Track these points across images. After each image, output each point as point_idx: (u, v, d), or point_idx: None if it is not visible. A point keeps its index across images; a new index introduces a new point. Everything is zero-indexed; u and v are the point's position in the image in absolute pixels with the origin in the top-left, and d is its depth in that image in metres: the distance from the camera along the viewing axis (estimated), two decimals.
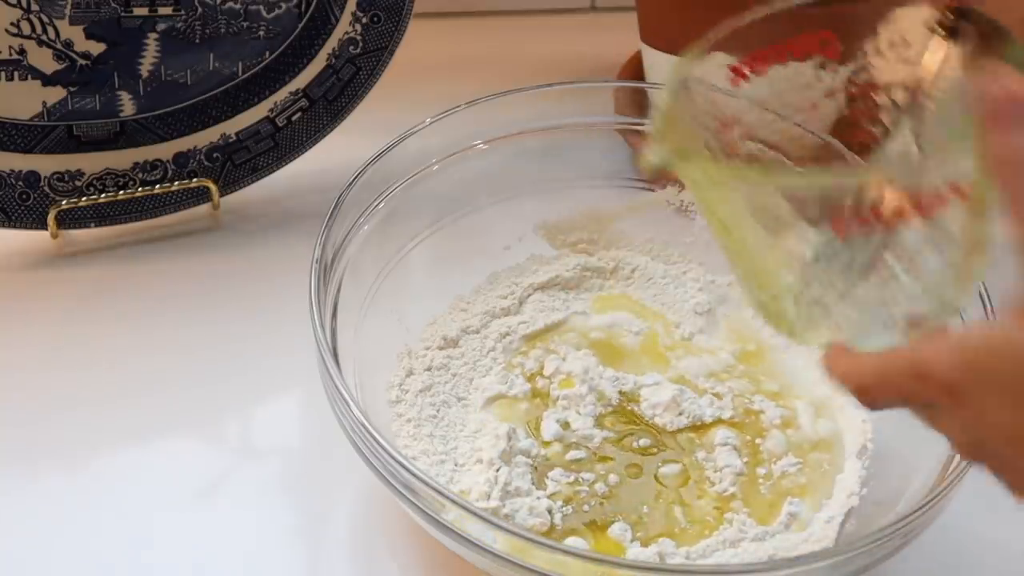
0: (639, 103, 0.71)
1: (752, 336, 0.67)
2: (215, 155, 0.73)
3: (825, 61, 0.47)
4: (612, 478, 0.58)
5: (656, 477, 0.59)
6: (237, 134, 0.73)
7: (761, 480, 0.59)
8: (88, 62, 0.68)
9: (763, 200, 0.40)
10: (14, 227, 0.70)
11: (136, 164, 0.72)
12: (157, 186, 0.72)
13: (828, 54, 0.47)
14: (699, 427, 0.61)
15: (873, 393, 0.41)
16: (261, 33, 0.71)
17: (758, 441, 0.61)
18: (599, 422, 0.61)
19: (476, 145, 0.67)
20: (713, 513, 0.58)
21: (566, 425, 0.61)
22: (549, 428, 0.61)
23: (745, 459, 0.60)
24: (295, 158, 0.75)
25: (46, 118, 0.69)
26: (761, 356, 0.66)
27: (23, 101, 0.68)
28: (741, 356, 0.66)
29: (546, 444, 0.60)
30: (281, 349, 0.66)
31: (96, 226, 0.72)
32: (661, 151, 0.41)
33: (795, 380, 0.64)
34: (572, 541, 0.55)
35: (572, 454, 0.59)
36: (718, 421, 0.61)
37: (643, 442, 0.60)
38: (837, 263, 0.40)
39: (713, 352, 0.66)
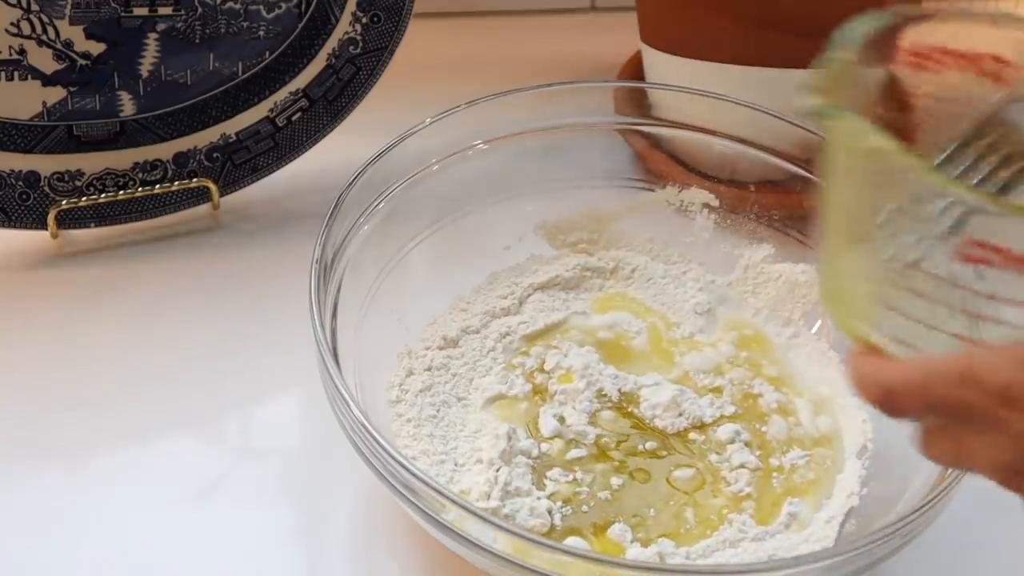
0: (639, 103, 0.71)
1: (749, 326, 0.67)
2: (215, 155, 0.73)
3: (993, 85, 0.45)
4: (615, 481, 0.58)
5: (668, 480, 0.59)
6: (237, 134, 0.73)
7: (775, 473, 0.59)
8: (88, 62, 0.68)
9: (893, 188, 0.38)
10: (14, 227, 0.70)
11: (136, 164, 0.72)
12: (157, 186, 0.72)
13: (996, 79, 0.45)
14: (701, 427, 0.61)
15: (903, 399, 0.38)
16: (261, 33, 0.71)
17: (764, 429, 0.61)
18: (593, 418, 0.61)
19: (476, 145, 0.67)
20: (721, 512, 0.57)
21: (562, 420, 0.61)
22: (547, 424, 0.61)
23: (757, 452, 0.60)
24: (295, 158, 0.75)
25: (46, 118, 0.69)
26: (760, 341, 0.66)
27: (23, 101, 0.68)
28: (740, 342, 0.66)
29: (546, 440, 0.60)
30: (281, 349, 0.66)
31: (96, 226, 0.72)
32: (821, 100, 0.39)
33: (796, 378, 0.64)
34: (572, 541, 0.55)
35: (572, 453, 0.59)
36: (720, 419, 0.61)
37: (649, 445, 0.60)
38: (931, 272, 0.38)
39: (714, 346, 0.66)
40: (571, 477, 0.58)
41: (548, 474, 0.58)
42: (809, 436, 0.61)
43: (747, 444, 0.60)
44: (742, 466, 0.59)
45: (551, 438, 0.60)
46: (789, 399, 0.63)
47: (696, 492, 0.58)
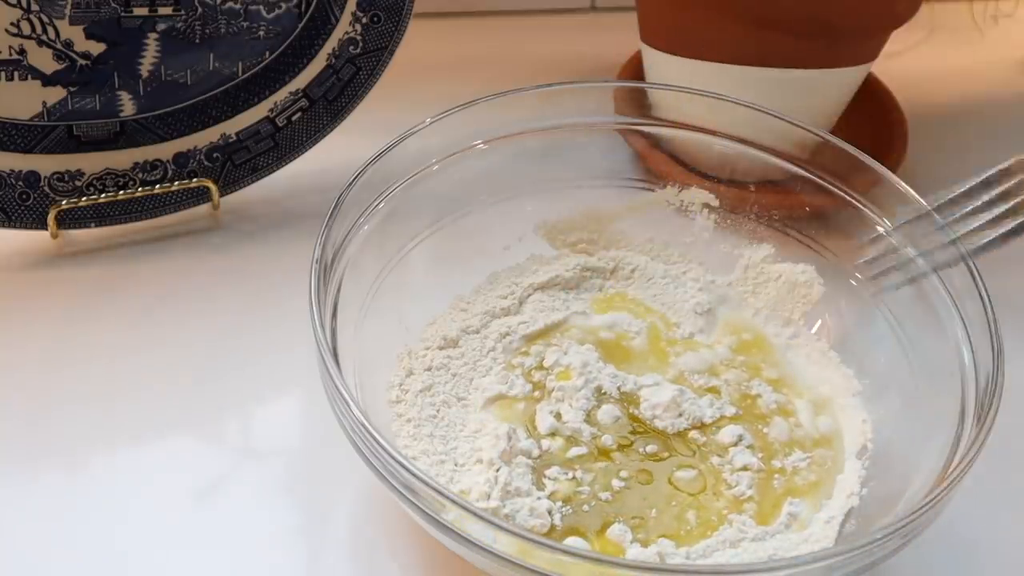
0: (639, 103, 0.71)
1: (749, 327, 0.67)
2: (215, 155, 0.73)
3: None
4: (616, 482, 0.58)
5: (670, 481, 0.59)
6: (237, 134, 0.73)
7: (776, 475, 0.59)
8: (88, 62, 0.68)
9: None
10: (14, 227, 0.70)
11: (136, 164, 0.72)
12: (157, 186, 0.72)
13: None
14: (701, 427, 0.61)
15: None
16: (261, 33, 0.71)
17: (765, 430, 0.61)
18: (591, 416, 0.61)
19: (476, 145, 0.67)
20: (721, 514, 0.57)
21: (559, 416, 0.61)
22: (544, 421, 0.61)
23: (759, 454, 0.60)
24: (295, 158, 0.75)
25: (46, 118, 0.69)
26: (759, 345, 0.66)
27: (23, 101, 0.68)
28: (739, 347, 0.66)
29: (545, 437, 0.60)
30: (281, 349, 0.66)
31: (96, 226, 0.72)
32: None
33: (795, 379, 0.64)
34: (572, 541, 0.55)
35: (573, 451, 0.59)
36: (720, 419, 0.61)
37: (650, 448, 0.60)
38: None
39: (711, 347, 0.66)
40: (571, 475, 0.58)
41: (547, 472, 0.58)
42: (809, 437, 0.61)
43: (750, 447, 0.60)
44: (744, 468, 0.59)
45: (550, 435, 0.60)
46: (789, 399, 0.63)
47: (699, 494, 0.58)
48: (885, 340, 0.63)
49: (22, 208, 0.70)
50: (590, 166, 0.70)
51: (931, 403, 0.58)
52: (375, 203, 0.63)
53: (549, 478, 0.58)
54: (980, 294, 0.57)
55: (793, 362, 0.65)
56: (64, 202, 0.71)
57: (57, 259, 0.72)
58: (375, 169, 0.62)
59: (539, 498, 0.57)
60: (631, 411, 0.62)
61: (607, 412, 0.61)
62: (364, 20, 0.72)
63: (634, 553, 0.55)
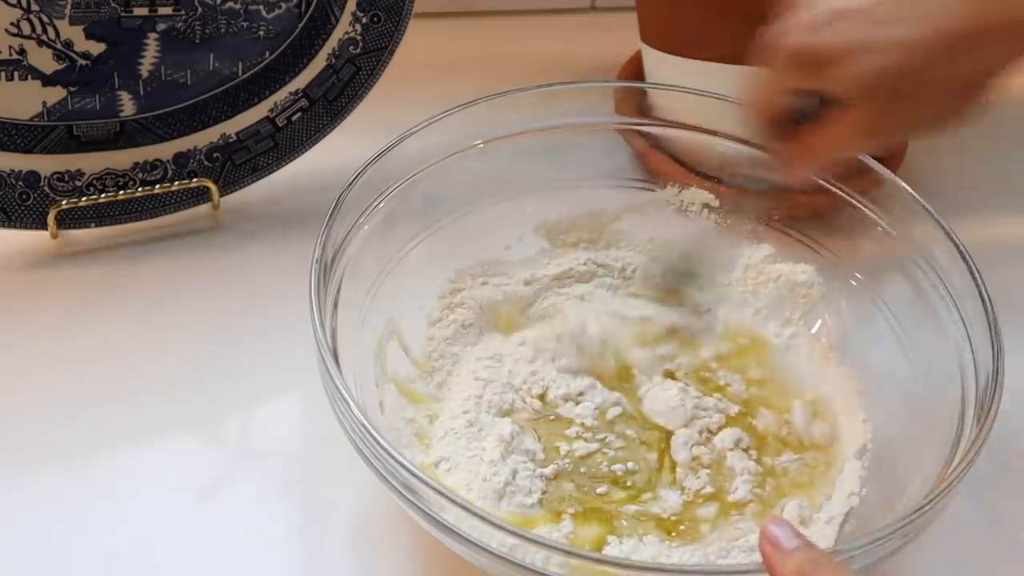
0: (639, 103, 0.71)
1: (747, 332, 0.67)
2: (215, 155, 0.73)
3: None
4: (618, 467, 0.58)
5: (674, 485, 0.59)
6: (237, 134, 0.73)
7: (769, 477, 0.59)
8: (88, 62, 0.68)
9: None
10: (14, 227, 0.70)
11: (136, 164, 0.72)
12: (157, 186, 0.72)
13: None
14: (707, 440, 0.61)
15: None
16: (261, 33, 0.71)
17: (754, 422, 0.61)
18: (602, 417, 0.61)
19: (476, 145, 0.67)
20: (726, 518, 0.57)
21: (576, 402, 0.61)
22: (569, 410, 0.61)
23: (753, 452, 0.60)
24: (295, 158, 0.75)
25: (46, 118, 0.69)
26: (756, 350, 0.66)
27: (23, 101, 0.68)
28: (737, 353, 0.66)
29: (552, 440, 0.60)
30: (281, 349, 0.66)
31: (96, 226, 0.72)
32: None
33: (795, 380, 0.64)
34: (571, 541, 0.55)
35: (580, 448, 0.59)
36: (724, 423, 0.61)
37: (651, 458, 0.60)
38: None
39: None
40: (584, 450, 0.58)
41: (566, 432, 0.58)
42: (801, 439, 0.61)
43: (746, 449, 0.60)
44: (743, 475, 0.59)
45: (559, 437, 0.60)
46: (763, 394, 0.63)
47: (702, 502, 0.58)
48: (885, 340, 0.63)
49: (22, 208, 0.70)
50: (590, 166, 0.70)
51: (931, 403, 0.58)
52: (375, 203, 0.63)
53: (552, 463, 0.58)
54: (980, 294, 0.57)
55: (793, 363, 0.65)
56: (64, 202, 0.71)
57: (57, 259, 0.72)
58: (375, 169, 0.62)
59: (539, 498, 0.57)
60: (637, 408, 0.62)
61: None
62: (364, 20, 0.72)
63: (632, 552, 0.55)
